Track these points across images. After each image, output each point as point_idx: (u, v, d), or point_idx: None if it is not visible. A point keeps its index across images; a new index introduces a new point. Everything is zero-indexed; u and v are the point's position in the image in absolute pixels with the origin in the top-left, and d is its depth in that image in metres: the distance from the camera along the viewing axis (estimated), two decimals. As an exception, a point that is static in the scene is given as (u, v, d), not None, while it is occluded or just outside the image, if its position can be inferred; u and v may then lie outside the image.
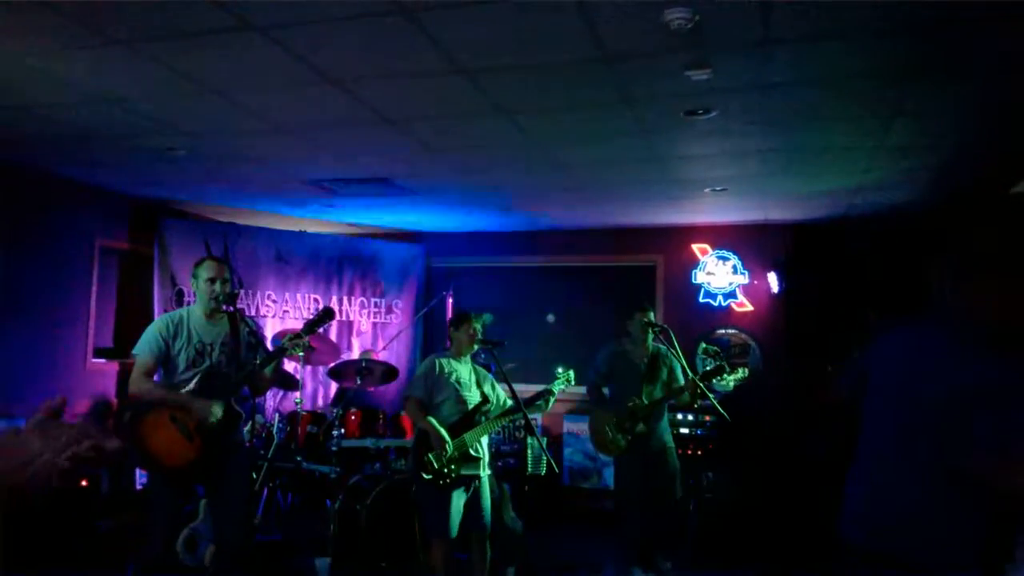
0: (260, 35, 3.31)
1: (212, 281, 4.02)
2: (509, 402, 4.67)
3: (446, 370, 4.57)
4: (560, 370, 4.91)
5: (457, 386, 4.54)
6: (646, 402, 5.28)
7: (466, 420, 4.49)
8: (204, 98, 4.16)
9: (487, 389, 4.68)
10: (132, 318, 6.60)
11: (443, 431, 4.38)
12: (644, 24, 3.11)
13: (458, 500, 4.42)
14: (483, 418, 4.53)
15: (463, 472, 4.41)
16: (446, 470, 4.33)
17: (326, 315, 4.29)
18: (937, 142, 4.78)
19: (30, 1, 3.04)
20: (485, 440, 4.61)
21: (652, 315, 5.55)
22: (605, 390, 5.58)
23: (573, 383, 5.01)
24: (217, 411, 3.87)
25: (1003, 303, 2.21)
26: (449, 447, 4.35)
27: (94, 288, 6.52)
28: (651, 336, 5.46)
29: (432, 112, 4.37)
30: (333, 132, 4.80)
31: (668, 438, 5.46)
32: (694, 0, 2.92)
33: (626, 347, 5.53)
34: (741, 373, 5.59)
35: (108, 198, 6.63)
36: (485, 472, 4.60)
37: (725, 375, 5.73)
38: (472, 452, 4.46)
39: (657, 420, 5.37)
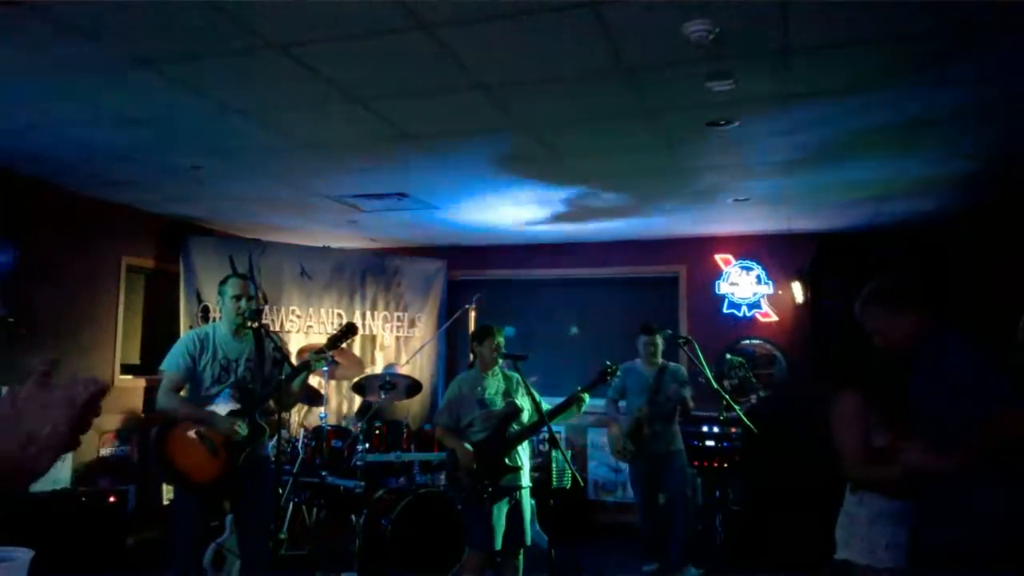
0: (282, 54, 3.34)
1: (237, 298, 4.05)
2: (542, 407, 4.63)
3: (468, 390, 4.55)
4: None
5: (484, 404, 4.52)
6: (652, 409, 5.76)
7: (497, 434, 4.47)
8: (228, 117, 4.21)
9: (519, 399, 4.62)
10: (159, 335, 6.65)
11: (466, 449, 4.39)
12: (664, 36, 3.11)
13: (500, 512, 4.39)
14: (514, 429, 4.49)
15: (502, 483, 4.40)
16: (479, 486, 4.32)
17: (349, 330, 4.30)
18: (963, 150, 4.72)
19: (54, 21, 3.10)
20: (525, 449, 4.59)
21: (658, 339, 5.95)
22: (622, 403, 6.10)
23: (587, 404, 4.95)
24: (241, 429, 3.89)
25: (887, 327, 2.86)
26: (474, 464, 4.35)
27: (121, 305, 6.59)
28: (658, 352, 5.96)
29: (453, 127, 4.38)
30: (355, 148, 4.83)
31: (677, 442, 5.89)
32: (714, 12, 2.92)
33: (636, 364, 6.06)
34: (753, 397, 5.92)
35: (134, 216, 6.71)
36: (526, 483, 4.56)
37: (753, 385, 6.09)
38: (508, 462, 4.43)
39: (666, 425, 5.80)
